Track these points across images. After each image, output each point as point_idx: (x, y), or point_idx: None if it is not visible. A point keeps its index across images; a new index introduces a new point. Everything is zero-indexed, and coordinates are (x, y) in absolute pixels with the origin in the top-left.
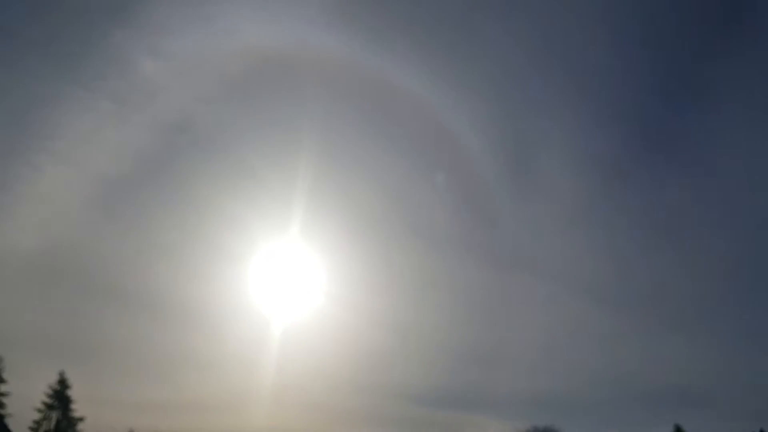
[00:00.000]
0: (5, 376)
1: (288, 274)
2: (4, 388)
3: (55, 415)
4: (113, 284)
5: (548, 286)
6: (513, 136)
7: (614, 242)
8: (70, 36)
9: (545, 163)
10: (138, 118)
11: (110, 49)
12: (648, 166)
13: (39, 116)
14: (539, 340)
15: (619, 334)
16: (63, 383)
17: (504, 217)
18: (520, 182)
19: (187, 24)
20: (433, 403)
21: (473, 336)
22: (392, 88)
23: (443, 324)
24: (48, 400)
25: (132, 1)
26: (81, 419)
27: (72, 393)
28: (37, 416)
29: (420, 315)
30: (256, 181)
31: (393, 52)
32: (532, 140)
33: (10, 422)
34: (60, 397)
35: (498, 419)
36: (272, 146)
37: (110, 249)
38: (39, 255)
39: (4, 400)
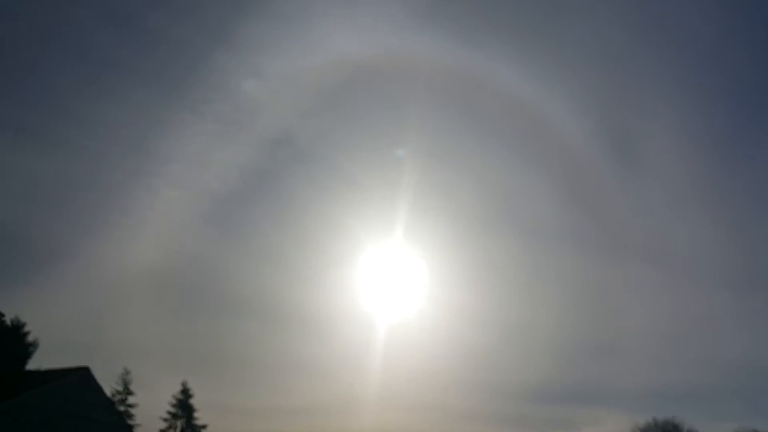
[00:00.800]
0: (132, 388)
1: (392, 276)
2: (131, 399)
3: (179, 424)
4: (227, 294)
5: (666, 273)
6: (614, 121)
7: (735, 221)
8: (177, 66)
9: (651, 146)
10: (242, 137)
11: (214, 73)
12: (763, 142)
13: (153, 143)
14: (658, 330)
15: (747, 319)
16: (186, 393)
17: (612, 206)
18: (626, 168)
19: (281, 42)
20: (545, 399)
21: (586, 329)
22: (486, 86)
23: (552, 319)
24: (173, 410)
25: (230, 25)
26: (204, 427)
27: (194, 402)
28: (163, 426)
29: (528, 311)
30: (357, 188)
31: (483, 49)
32: (634, 124)
33: None
34: (184, 406)
35: (615, 413)
36: (371, 153)
37: (224, 261)
38: (159, 272)
39: (133, 411)
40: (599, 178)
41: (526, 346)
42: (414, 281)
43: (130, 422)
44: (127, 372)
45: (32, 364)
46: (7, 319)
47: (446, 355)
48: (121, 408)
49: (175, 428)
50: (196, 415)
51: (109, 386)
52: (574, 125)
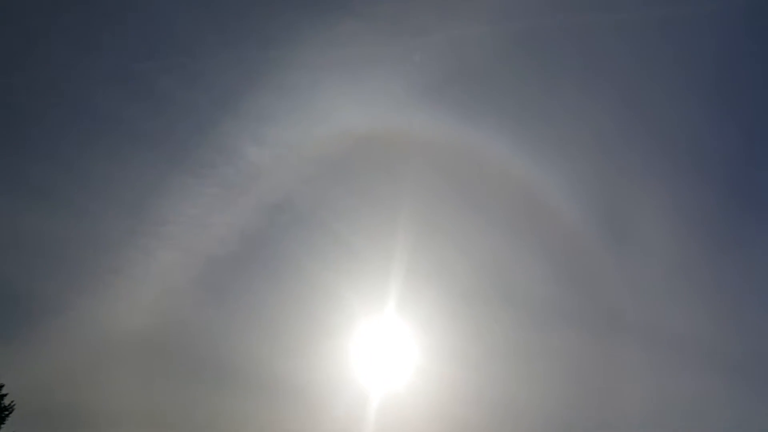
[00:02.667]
0: None
1: (385, 347)
2: None
3: None
4: (216, 361)
5: (659, 352)
6: (607, 199)
7: (732, 304)
8: (182, 129)
9: (645, 224)
10: (243, 201)
11: (218, 138)
12: (758, 223)
13: (152, 204)
14: (651, 410)
15: (746, 404)
16: None
17: (604, 283)
18: (619, 245)
19: (286, 112)
20: None
21: (578, 407)
22: (482, 162)
23: (544, 396)
24: None
25: (238, 93)
26: None
27: None
28: None
29: (518, 387)
30: (354, 257)
31: (481, 128)
32: (627, 202)
33: None
34: None
35: None
36: (369, 222)
37: (215, 326)
38: (148, 335)
39: None
40: (593, 256)
41: (517, 422)
42: (406, 353)
43: None
44: None
45: (5, 430)
46: None
47: (436, 430)
48: None
49: None
50: None
51: None
52: (568, 203)
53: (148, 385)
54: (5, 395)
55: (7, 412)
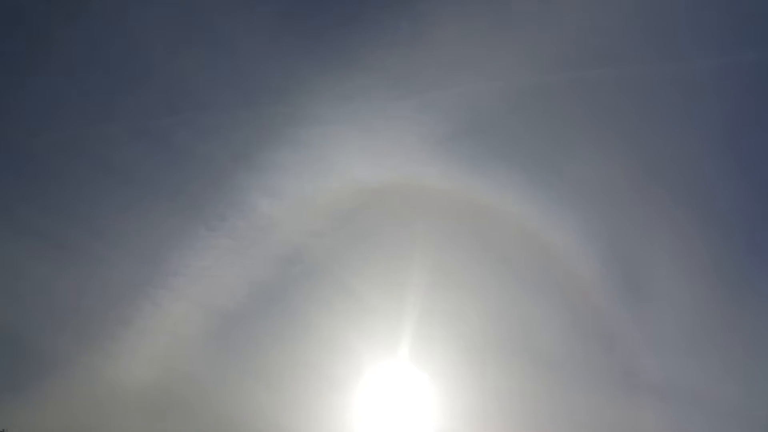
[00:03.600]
0: None
1: (394, 401)
2: None
3: None
4: (223, 417)
5: (677, 412)
6: (622, 252)
7: (740, 359)
8: (198, 182)
9: (660, 279)
10: (254, 253)
11: (233, 190)
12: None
13: (164, 255)
14: None
15: None
16: None
17: (620, 339)
18: (634, 297)
19: (300, 165)
20: None
21: None
22: (497, 213)
23: None
24: None
25: (252, 147)
26: None
27: None
28: None
29: None
30: (364, 309)
31: (493, 179)
32: (642, 256)
33: None
34: None
35: None
36: (380, 274)
37: (223, 381)
38: (155, 389)
39: None
40: (609, 311)
41: None
42: (417, 407)
43: None
44: None
45: None
46: None
47: None
48: None
49: None
50: None
51: None
52: (582, 254)
53: None
54: None
55: None
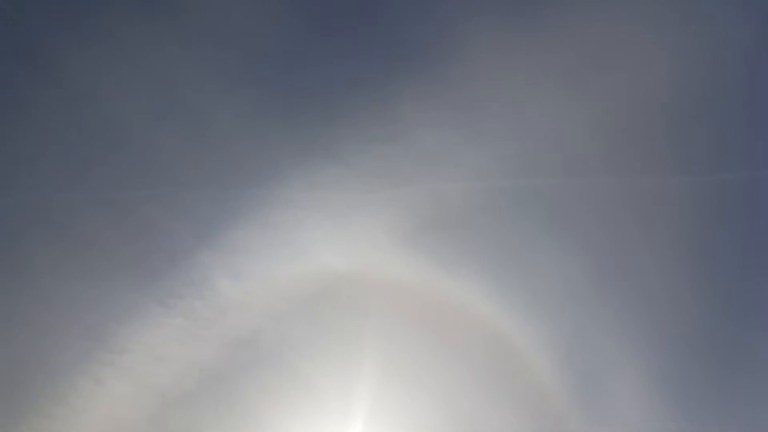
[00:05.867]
0: None
1: None
2: None
3: None
4: None
5: None
6: (583, 358)
7: None
8: (158, 256)
9: (618, 389)
10: (206, 334)
11: (194, 269)
12: (732, 387)
13: (110, 330)
14: None
15: None
16: None
17: None
18: (591, 405)
19: (266, 247)
20: None
21: None
22: (456, 311)
23: None
24: None
25: (218, 227)
26: None
27: None
28: None
29: None
30: (313, 398)
31: (456, 275)
32: (603, 363)
33: None
34: None
35: None
36: (334, 363)
37: None
38: None
39: None
40: (566, 417)
41: None
42: None
43: None
44: None
45: None
46: None
47: None
48: None
49: None
50: None
51: None
52: (543, 359)
53: None
54: None
55: None
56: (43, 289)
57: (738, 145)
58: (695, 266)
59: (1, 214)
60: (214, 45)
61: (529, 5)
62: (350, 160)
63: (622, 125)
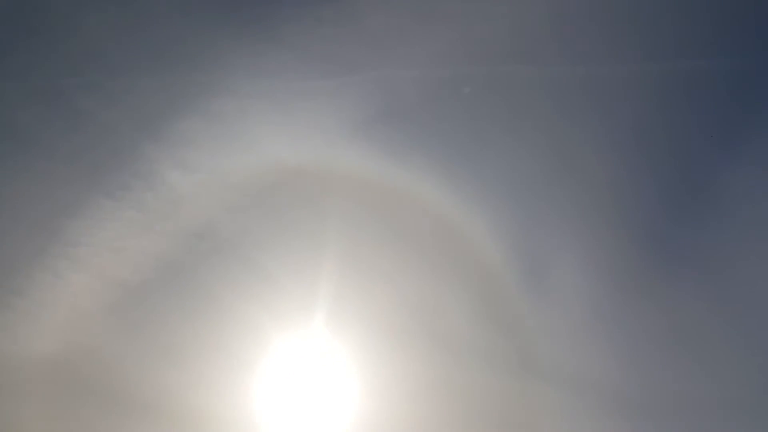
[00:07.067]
0: None
1: (302, 386)
2: None
3: None
4: (126, 393)
5: (568, 395)
6: (530, 244)
7: (634, 351)
8: (100, 149)
9: (562, 272)
10: (161, 227)
11: (139, 161)
12: (666, 273)
13: (63, 224)
14: None
15: None
16: None
17: (521, 327)
18: (536, 290)
19: (212, 138)
20: None
21: None
22: (410, 201)
23: None
24: None
25: (161, 117)
26: None
27: None
28: None
29: (434, 430)
30: (275, 289)
31: (408, 165)
32: (548, 248)
33: None
34: None
35: None
36: (293, 255)
37: (126, 356)
38: (55, 362)
39: None
40: (512, 300)
41: None
42: (324, 387)
43: None
44: None
45: None
46: None
47: None
48: None
49: None
50: None
51: None
52: (491, 245)
53: (53, 415)
54: None
55: None
56: None
57: (675, 35)
58: (638, 159)
59: None
60: None
61: None
62: (295, 45)
63: (584, 13)
